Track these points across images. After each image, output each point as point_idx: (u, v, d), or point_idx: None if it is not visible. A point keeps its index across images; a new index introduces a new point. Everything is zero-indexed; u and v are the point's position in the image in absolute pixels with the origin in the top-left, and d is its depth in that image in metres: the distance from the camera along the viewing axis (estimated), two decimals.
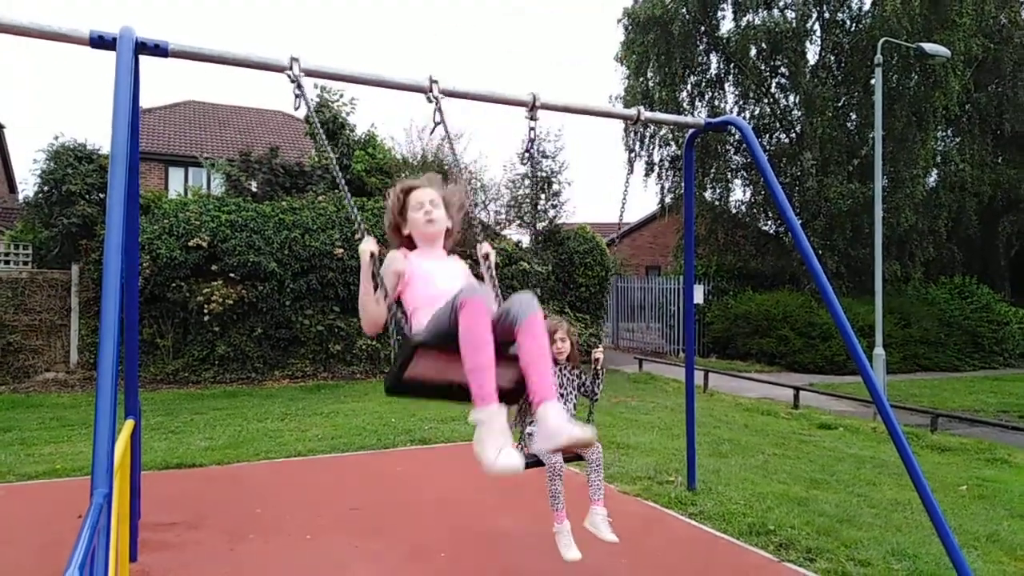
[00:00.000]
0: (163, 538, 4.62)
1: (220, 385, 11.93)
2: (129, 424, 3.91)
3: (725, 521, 5.20)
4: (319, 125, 3.82)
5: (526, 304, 2.51)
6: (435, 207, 2.92)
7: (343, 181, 3.30)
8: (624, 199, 4.82)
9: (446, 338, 2.48)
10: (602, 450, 4.05)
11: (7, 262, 12.93)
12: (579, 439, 2.48)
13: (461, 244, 3.31)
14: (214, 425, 8.47)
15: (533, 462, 4.01)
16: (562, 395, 4.04)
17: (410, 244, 3.02)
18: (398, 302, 2.85)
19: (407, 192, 2.96)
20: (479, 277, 3.09)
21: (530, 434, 4.02)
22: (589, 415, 4.25)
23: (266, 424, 8.62)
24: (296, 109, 3.55)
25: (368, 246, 2.83)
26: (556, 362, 4.05)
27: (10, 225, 17.87)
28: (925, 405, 11.91)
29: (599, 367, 4.11)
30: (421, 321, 2.70)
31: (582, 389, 4.14)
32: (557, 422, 2.39)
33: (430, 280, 2.82)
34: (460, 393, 2.57)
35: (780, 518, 5.29)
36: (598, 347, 4.22)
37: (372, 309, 2.82)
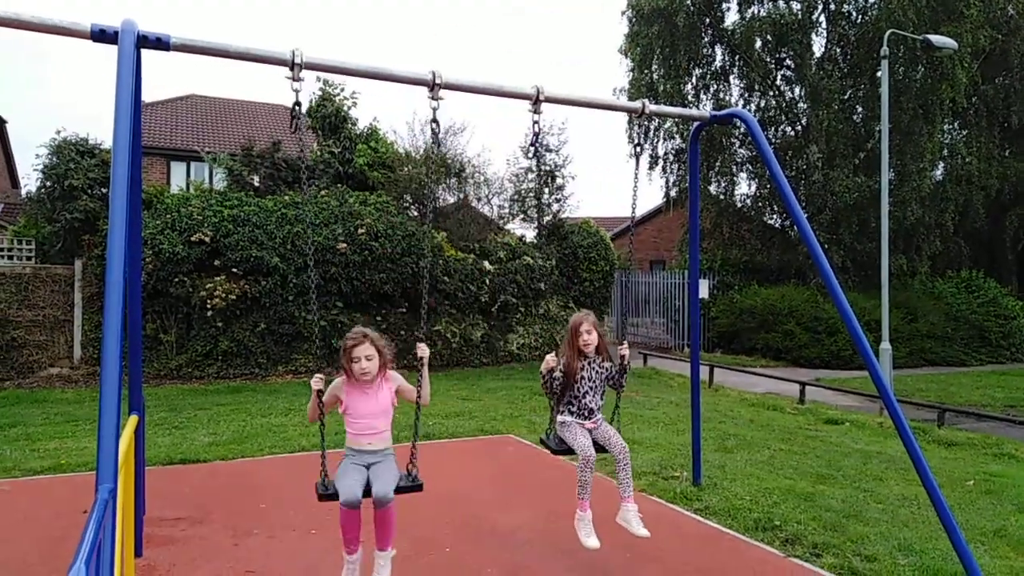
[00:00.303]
0: (168, 533, 4.62)
1: (223, 380, 11.94)
2: (133, 420, 3.90)
3: (731, 516, 5.18)
4: (303, 116, 3.83)
5: (384, 498, 3.43)
6: (369, 360, 3.63)
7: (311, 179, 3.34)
8: (635, 191, 4.80)
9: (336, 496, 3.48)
10: (628, 451, 4.14)
11: (10, 257, 12.94)
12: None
13: (464, 239, 3.54)
14: (218, 420, 8.47)
15: (563, 450, 4.17)
16: (592, 387, 4.19)
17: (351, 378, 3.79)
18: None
19: (348, 350, 3.66)
20: (421, 367, 3.87)
21: (562, 423, 4.21)
22: (615, 411, 4.40)
23: (270, 419, 8.62)
24: (294, 115, 3.72)
25: (317, 385, 3.69)
26: (585, 355, 4.19)
27: (13, 220, 17.91)
28: (932, 400, 11.86)
29: (625, 361, 4.27)
30: (349, 439, 3.72)
31: (610, 381, 4.27)
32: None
33: (358, 416, 3.69)
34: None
35: (786, 513, 5.27)
36: (624, 343, 4.34)
37: (310, 412, 3.79)
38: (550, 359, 4.17)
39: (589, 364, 4.20)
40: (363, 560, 3.57)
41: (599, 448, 4.12)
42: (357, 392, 3.70)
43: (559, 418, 4.26)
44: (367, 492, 3.46)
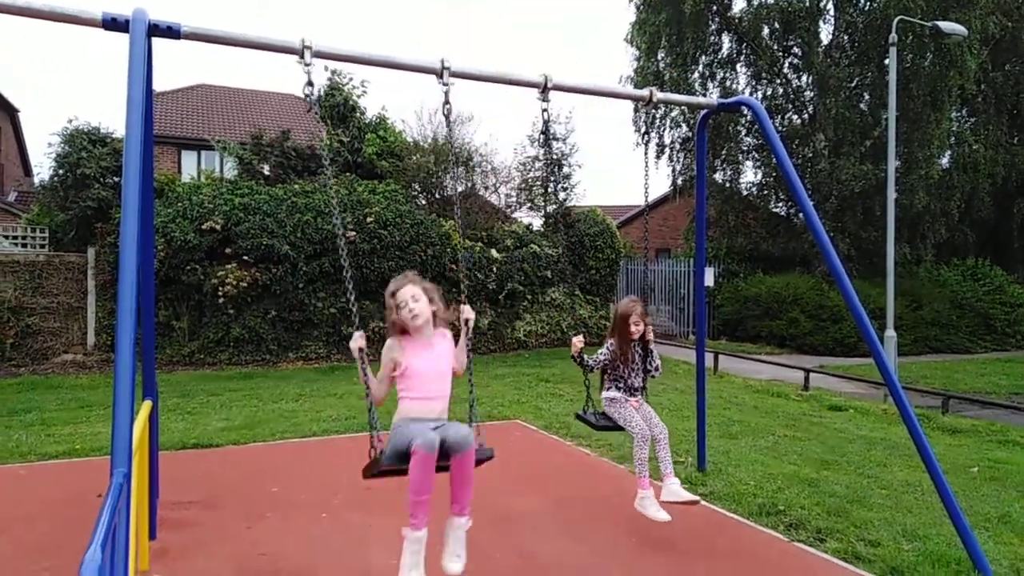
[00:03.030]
0: (181, 516, 4.70)
1: (235, 367, 12.05)
2: (147, 405, 3.97)
3: (735, 502, 5.23)
4: (316, 106, 3.83)
5: (462, 440, 3.18)
6: (416, 301, 3.32)
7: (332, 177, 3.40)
8: (646, 179, 4.87)
9: (402, 459, 3.16)
10: (667, 430, 4.42)
11: (24, 245, 13.06)
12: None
13: (471, 227, 3.56)
14: (230, 406, 8.57)
15: (605, 425, 4.50)
16: (634, 368, 4.49)
17: (405, 332, 3.42)
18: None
19: (392, 295, 3.37)
20: (455, 334, 3.57)
21: (611, 399, 4.48)
22: (644, 390, 4.63)
23: (281, 405, 8.71)
24: (306, 95, 3.63)
25: (357, 343, 3.34)
26: (632, 341, 4.48)
27: (26, 208, 18.02)
28: (936, 387, 11.88)
29: (651, 346, 4.58)
30: (404, 411, 3.32)
31: (647, 368, 4.56)
32: (452, 545, 3.31)
33: (420, 380, 3.32)
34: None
35: (790, 499, 5.32)
36: (648, 328, 4.55)
37: (376, 390, 3.42)
38: (577, 342, 4.40)
39: (633, 348, 4.50)
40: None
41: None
42: (415, 348, 3.35)
43: (607, 394, 4.52)
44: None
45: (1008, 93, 20.73)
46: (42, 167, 14.07)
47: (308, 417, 7.97)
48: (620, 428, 4.43)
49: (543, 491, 5.43)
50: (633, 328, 4.42)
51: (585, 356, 4.42)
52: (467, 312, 3.58)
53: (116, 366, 2.42)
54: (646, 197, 4.75)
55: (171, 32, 3.57)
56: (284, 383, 10.40)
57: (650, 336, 4.52)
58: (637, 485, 4.33)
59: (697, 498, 4.34)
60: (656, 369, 4.60)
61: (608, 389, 4.51)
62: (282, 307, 12.53)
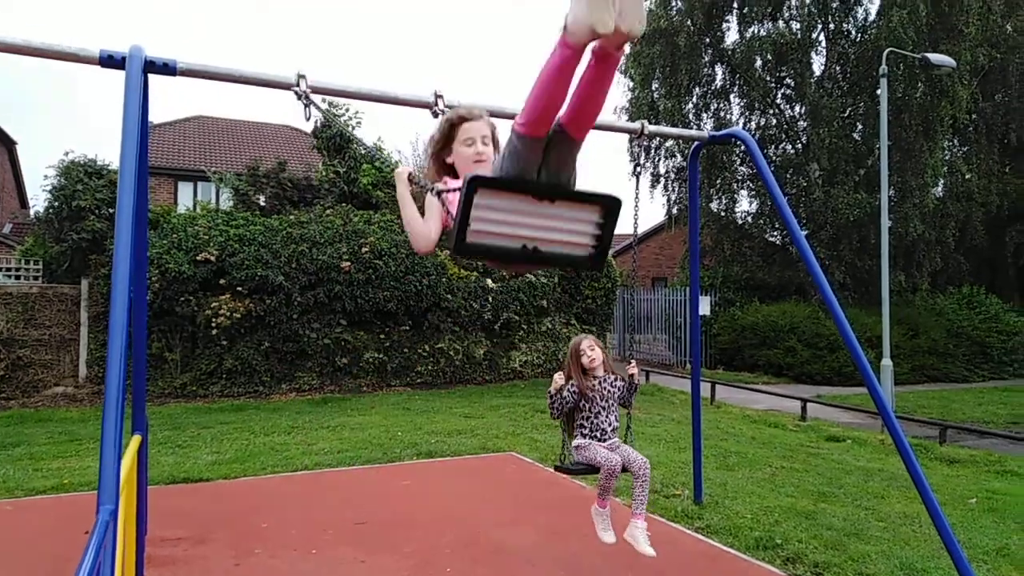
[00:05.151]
0: (169, 553, 4.63)
1: (227, 399, 11.96)
2: (136, 440, 3.93)
3: (732, 535, 5.18)
4: (330, 119, 3.82)
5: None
6: (486, 145, 2.75)
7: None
8: (636, 210, 4.78)
9: (515, 180, 2.32)
10: (648, 464, 4.10)
11: (18, 277, 13.03)
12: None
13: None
14: (221, 439, 8.49)
15: (583, 469, 4.17)
16: (605, 406, 4.14)
17: (450, 174, 2.83)
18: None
19: (460, 122, 2.79)
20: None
21: (578, 447, 4.17)
22: (628, 430, 4.34)
23: (273, 438, 8.64)
24: (308, 120, 3.63)
25: (403, 170, 2.86)
26: (594, 374, 4.17)
27: (21, 240, 18.02)
28: (934, 416, 11.82)
29: (635, 380, 4.24)
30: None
31: (620, 400, 4.25)
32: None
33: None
34: (535, 257, 2.41)
35: (787, 532, 5.26)
36: (631, 363, 4.29)
37: (420, 228, 2.70)
38: (558, 378, 4.07)
39: (600, 383, 4.15)
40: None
41: (622, 469, 4.06)
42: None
43: (575, 442, 4.17)
44: None
45: (998, 123, 20.99)
46: (37, 199, 14.12)
47: (300, 450, 7.89)
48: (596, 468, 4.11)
49: (537, 525, 5.37)
50: (589, 354, 4.11)
51: (565, 393, 4.07)
52: (632, 368, 3.83)
53: (105, 401, 2.39)
54: (635, 229, 4.73)
55: (167, 69, 3.59)
56: (276, 415, 10.32)
57: (633, 370, 4.21)
58: (596, 502, 4.18)
59: (653, 554, 3.91)
60: (628, 403, 4.30)
61: (575, 438, 4.19)
62: (276, 338, 12.49)
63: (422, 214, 2.72)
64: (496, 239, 2.36)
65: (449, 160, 2.81)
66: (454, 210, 2.38)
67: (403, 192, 2.81)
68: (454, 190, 2.51)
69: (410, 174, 2.85)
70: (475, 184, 2.25)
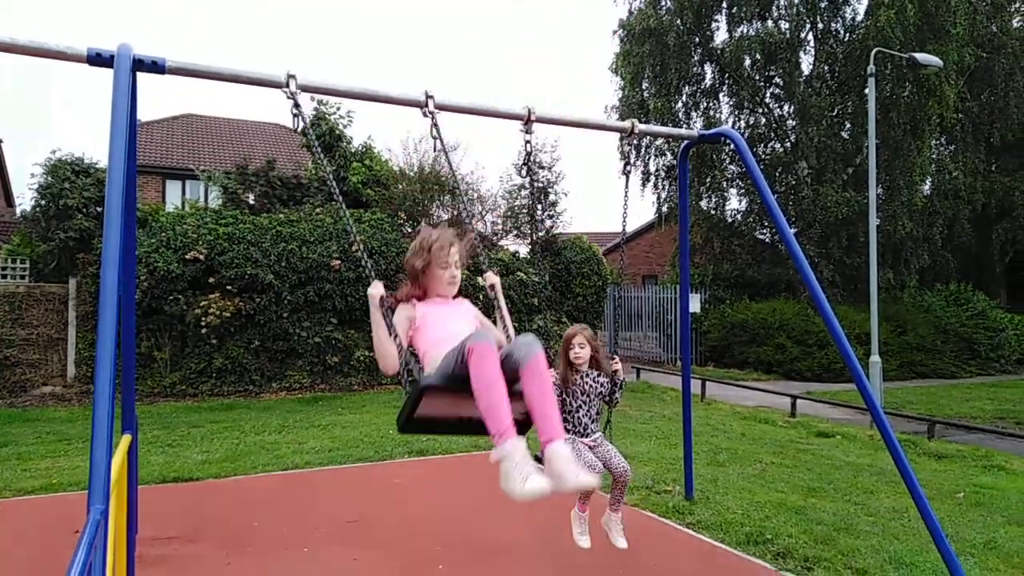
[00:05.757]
0: (160, 553, 4.61)
1: (217, 398, 11.91)
2: (126, 439, 3.91)
3: (723, 530, 5.21)
4: (315, 139, 3.81)
5: (528, 347, 2.62)
6: (458, 269, 3.05)
7: (339, 195, 3.40)
8: (625, 208, 4.80)
9: (454, 380, 2.59)
10: (630, 470, 4.07)
11: (4, 276, 12.93)
12: (584, 486, 2.61)
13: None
14: (211, 438, 8.45)
15: None
16: (584, 402, 4.10)
17: (422, 292, 3.11)
18: (410, 346, 2.99)
19: (435, 248, 3.03)
20: (487, 310, 3.30)
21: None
22: (607, 425, 4.28)
23: (263, 437, 8.61)
24: (295, 123, 3.60)
25: (376, 290, 2.93)
26: (577, 369, 4.12)
27: (7, 239, 17.86)
28: (922, 412, 11.92)
29: (619, 377, 4.16)
30: (433, 362, 2.80)
31: (603, 396, 4.17)
32: (563, 467, 2.51)
33: (441, 323, 2.95)
34: (471, 427, 2.72)
35: (778, 527, 5.30)
36: (615, 359, 4.21)
37: (387, 349, 2.92)
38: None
39: (582, 378, 4.12)
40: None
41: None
42: (430, 304, 3.08)
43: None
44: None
45: (984, 122, 21.17)
46: (24, 197, 14.02)
47: (291, 449, 7.87)
48: None
49: (529, 522, 5.38)
50: (577, 350, 4.08)
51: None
52: (491, 277, 3.33)
53: (94, 399, 2.39)
54: (624, 227, 4.74)
55: (156, 67, 3.57)
56: (267, 414, 10.29)
57: (617, 367, 4.13)
58: (576, 506, 4.22)
59: (624, 546, 3.99)
60: (615, 403, 4.24)
61: None
62: (266, 337, 12.44)
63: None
64: (438, 417, 2.81)
65: (423, 281, 3.07)
66: (421, 336, 2.91)
67: (376, 316, 2.94)
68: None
69: (382, 297, 2.93)
70: (424, 390, 2.64)
